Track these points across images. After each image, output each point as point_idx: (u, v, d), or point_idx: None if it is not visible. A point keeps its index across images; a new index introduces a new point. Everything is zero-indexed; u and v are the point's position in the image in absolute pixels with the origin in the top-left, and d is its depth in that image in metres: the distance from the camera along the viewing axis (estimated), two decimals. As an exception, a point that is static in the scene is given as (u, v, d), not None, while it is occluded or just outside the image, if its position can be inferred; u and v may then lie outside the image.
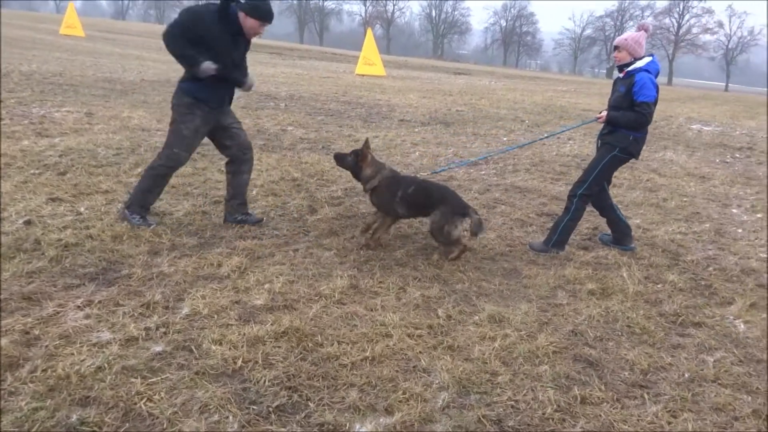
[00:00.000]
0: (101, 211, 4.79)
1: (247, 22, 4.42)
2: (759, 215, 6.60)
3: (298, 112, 11.06)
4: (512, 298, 4.02)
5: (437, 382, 2.97)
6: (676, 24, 78.12)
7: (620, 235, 5.16)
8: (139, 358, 2.90)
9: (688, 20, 78.06)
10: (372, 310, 3.66)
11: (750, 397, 3.06)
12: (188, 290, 3.65)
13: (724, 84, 76.37)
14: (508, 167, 8.07)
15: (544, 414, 2.79)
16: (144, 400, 2.59)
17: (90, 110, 8.82)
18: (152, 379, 2.74)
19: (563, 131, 6.92)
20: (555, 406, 2.85)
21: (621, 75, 4.83)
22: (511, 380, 3.04)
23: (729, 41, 78.53)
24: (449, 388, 2.92)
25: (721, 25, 77.80)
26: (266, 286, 3.81)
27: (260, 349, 3.07)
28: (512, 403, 2.86)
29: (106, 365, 2.79)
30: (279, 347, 3.12)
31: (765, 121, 17.49)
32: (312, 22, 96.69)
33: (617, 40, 4.85)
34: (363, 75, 21.90)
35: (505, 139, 10.38)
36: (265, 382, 2.81)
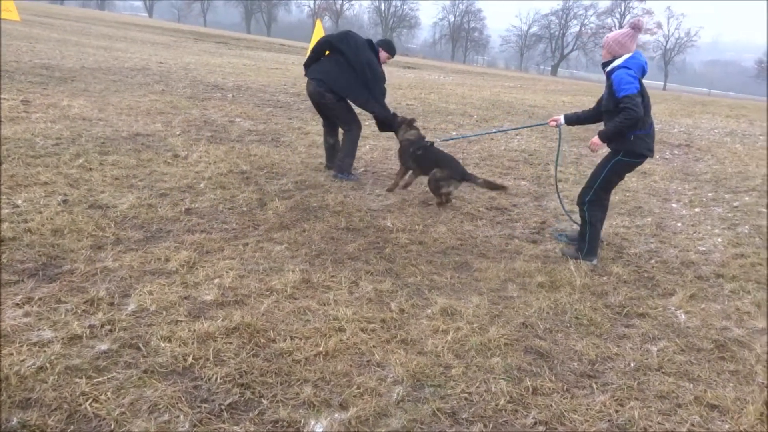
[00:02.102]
0: (40, 203, 4.58)
1: (382, 54, 6.46)
2: (697, 209, 6.87)
3: (246, 103, 10.87)
4: (464, 291, 4.06)
5: (391, 376, 2.97)
6: (618, 24, 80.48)
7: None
8: (83, 357, 2.79)
9: (629, 20, 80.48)
10: (325, 304, 3.63)
11: (692, 385, 3.18)
12: (134, 286, 3.53)
13: (662, 83, 79.20)
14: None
15: (497, 405, 2.83)
16: (89, 401, 2.49)
17: (27, 98, 8.44)
18: (98, 379, 2.64)
19: (535, 125, 7.26)
20: (507, 398, 2.89)
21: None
22: (464, 373, 3.07)
23: (667, 42, 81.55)
24: (403, 382, 2.92)
25: (660, 26, 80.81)
26: (216, 281, 3.73)
27: (211, 345, 3.00)
28: (466, 395, 2.89)
29: (48, 365, 2.68)
30: (230, 343, 3.06)
31: (700, 119, 18.21)
32: (259, 12, 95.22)
33: (603, 41, 4.81)
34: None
35: (453, 133, 10.46)
36: (216, 379, 2.75)
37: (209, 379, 2.75)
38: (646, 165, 9.17)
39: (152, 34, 30.77)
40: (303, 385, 2.80)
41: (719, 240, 5.77)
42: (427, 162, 5.95)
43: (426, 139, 6.15)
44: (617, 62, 4.59)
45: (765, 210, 7.04)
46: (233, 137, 7.86)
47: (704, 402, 3.03)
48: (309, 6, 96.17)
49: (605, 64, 4.72)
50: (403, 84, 19.12)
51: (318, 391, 2.77)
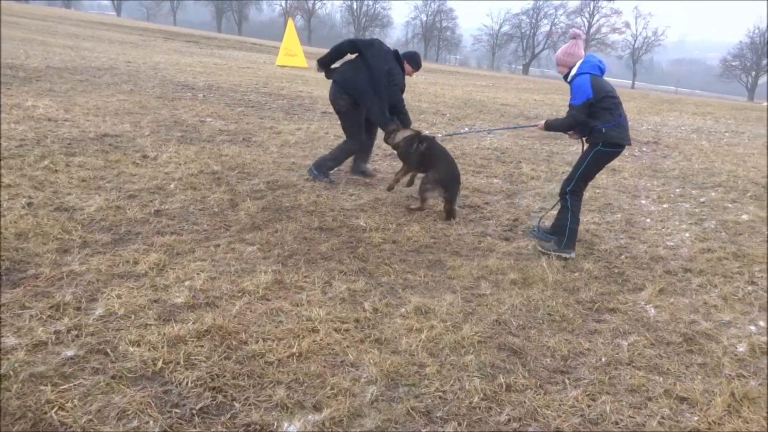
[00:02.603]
0: (4, 206, 4.47)
1: (407, 68, 6.39)
2: (665, 205, 6.98)
3: (217, 103, 10.74)
4: (437, 290, 4.07)
5: (365, 376, 2.95)
6: (587, 23, 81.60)
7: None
8: (48, 364, 2.72)
9: (597, 20, 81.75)
10: (297, 305, 3.60)
11: (662, 378, 3.23)
12: (102, 290, 3.46)
13: (630, 82, 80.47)
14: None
15: (471, 403, 2.84)
16: (55, 409, 2.43)
17: (-12, 99, 8.22)
18: (64, 386, 2.58)
19: (525, 127, 7.39)
20: (481, 395, 2.90)
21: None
22: (438, 371, 3.07)
23: (635, 41, 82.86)
24: (377, 382, 2.91)
25: (628, 25, 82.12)
26: (187, 283, 3.67)
27: (182, 349, 2.95)
28: (440, 393, 2.89)
29: (11, 373, 2.60)
30: (201, 346, 3.01)
31: (668, 117, 18.53)
32: (230, 11, 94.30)
33: (554, 58, 5.08)
34: (284, 66, 21.56)
35: (427, 132, 10.46)
36: (187, 383, 2.71)
37: (180, 384, 2.70)
38: (616, 162, 9.29)
39: (120, 33, 30.26)
40: (276, 387, 2.77)
41: (687, 235, 5.87)
42: (428, 160, 5.76)
43: (423, 137, 5.96)
44: (573, 70, 4.86)
45: (730, 205, 7.18)
46: (204, 137, 7.76)
47: (674, 395, 3.07)
48: (280, 5, 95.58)
49: (566, 77, 4.96)
50: (375, 83, 19.09)
51: (291, 393, 2.74)
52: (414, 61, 6.45)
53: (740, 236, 5.97)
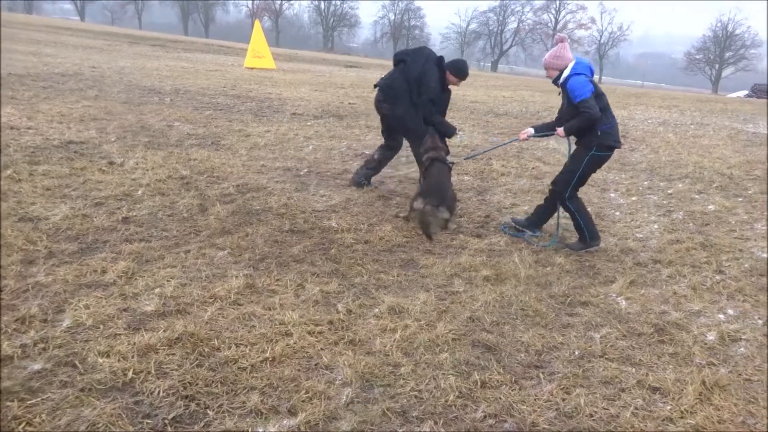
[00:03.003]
0: (-36, 218, 4.35)
1: (450, 77, 5.97)
2: (634, 198, 7.08)
3: (185, 106, 10.61)
4: (411, 289, 4.07)
5: (340, 378, 2.94)
6: (553, 20, 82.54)
7: (536, 219, 5.41)
8: (14, 378, 2.65)
9: (564, 16, 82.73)
10: (270, 309, 3.57)
11: (634, 369, 3.27)
12: (69, 300, 3.39)
13: (598, 77, 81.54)
14: (401, 159, 8.14)
15: (446, 401, 2.84)
16: (23, 425, 2.37)
17: (-53, 108, 8.01)
18: (31, 401, 2.52)
19: (508, 143, 7.35)
20: (457, 393, 2.91)
21: (559, 90, 5.02)
22: (413, 370, 3.06)
23: (601, 36, 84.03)
24: (352, 384, 2.90)
25: (593, 21, 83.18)
26: (157, 290, 3.62)
27: (152, 358, 2.91)
28: (415, 393, 2.89)
29: (-26, 389, 2.53)
30: (173, 354, 2.97)
31: (635, 110, 18.82)
32: (196, 13, 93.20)
33: (543, 62, 5.10)
34: (252, 68, 21.38)
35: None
36: (159, 393, 2.66)
37: (151, 393, 2.66)
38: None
39: (84, 38, 29.71)
40: (250, 393, 2.74)
41: (655, 227, 5.96)
42: (426, 173, 5.60)
43: (443, 155, 5.67)
44: (566, 72, 4.87)
45: (697, 196, 7.31)
46: (172, 142, 7.66)
47: (646, 385, 3.11)
48: (247, 6, 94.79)
49: (556, 80, 4.99)
50: (345, 83, 19.07)
51: (265, 399, 2.72)
52: (456, 69, 5.99)
53: (707, 226, 6.08)
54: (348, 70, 28.36)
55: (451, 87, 6.09)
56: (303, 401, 2.72)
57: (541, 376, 3.14)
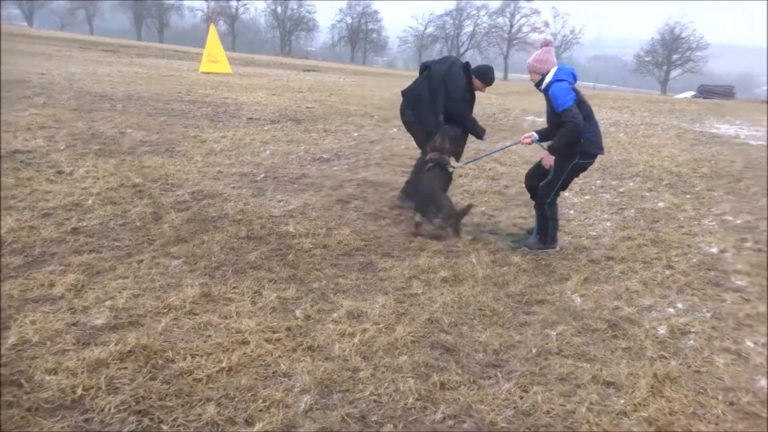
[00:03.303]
0: None
1: (476, 82, 5.95)
2: (587, 197, 7.22)
3: (138, 113, 10.38)
4: (369, 292, 4.05)
5: (299, 385, 2.91)
6: (508, 23, 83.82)
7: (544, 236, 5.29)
8: (-45, 399, 2.54)
9: (518, 20, 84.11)
10: (226, 317, 3.51)
11: (589, 365, 3.32)
12: (14, 316, 3.26)
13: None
14: (360, 162, 8.15)
15: (406, 404, 2.83)
16: (-37, 447, 2.27)
17: None
18: (-28, 421, 2.41)
19: (511, 146, 7.31)
20: (416, 395, 2.90)
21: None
22: (372, 374, 3.05)
23: (555, 39, 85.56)
24: (311, 390, 2.87)
25: (547, 24, 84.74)
26: (108, 303, 3.51)
27: (103, 373, 2.82)
28: (375, 397, 2.87)
29: None
30: (125, 368, 2.88)
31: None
32: (150, 18, 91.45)
33: (527, 65, 5.06)
34: (208, 73, 21.07)
35: (355, 134, 10.47)
36: (110, 409, 2.58)
37: (102, 410, 2.57)
38: (539, 156, 9.55)
39: (33, 44, 28.82)
40: (206, 405, 2.68)
41: (608, 224, 6.09)
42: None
43: (445, 158, 5.62)
44: (548, 78, 4.85)
45: (647, 194, 7.50)
46: (124, 149, 7.48)
47: (601, 380, 3.16)
48: (202, 10, 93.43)
49: (538, 84, 4.97)
50: (303, 87, 18.96)
51: (222, 410, 2.66)
52: (482, 74, 5.96)
53: (657, 223, 6.24)
54: (306, 74, 28.23)
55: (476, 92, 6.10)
56: (260, 411, 2.68)
57: (499, 375, 3.16)
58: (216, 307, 3.64)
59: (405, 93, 6.11)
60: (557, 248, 5.18)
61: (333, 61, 64.99)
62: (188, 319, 3.44)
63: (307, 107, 13.44)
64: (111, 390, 2.71)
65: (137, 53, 32.21)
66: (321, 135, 10.08)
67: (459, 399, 2.92)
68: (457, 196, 6.80)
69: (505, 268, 4.69)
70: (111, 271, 3.97)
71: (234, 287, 3.92)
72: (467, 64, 6.05)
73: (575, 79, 4.88)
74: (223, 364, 2.99)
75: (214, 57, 22.01)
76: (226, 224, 5.10)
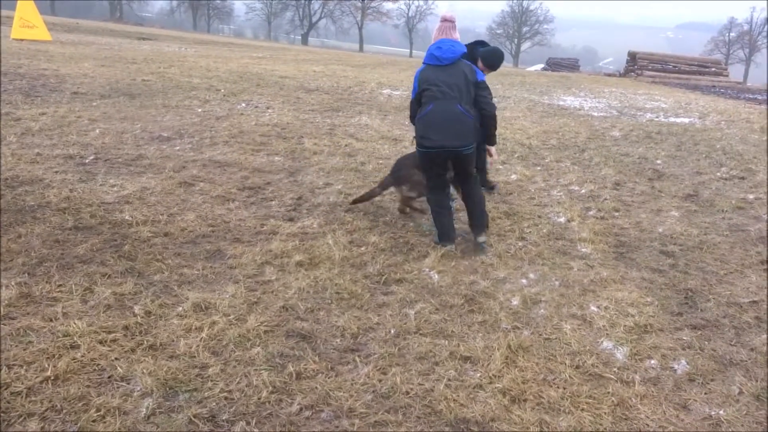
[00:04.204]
0: None
1: (479, 65, 5.74)
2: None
3: (-68, 86, 9.25)
4: (218, 282, 3.95)
5: (138, 389, 2.77)
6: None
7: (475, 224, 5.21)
8: None
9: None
10: (51, 320, 3.26)
11: (447, 341, 3.47)
12: None
13: (408, 50, 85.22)
14: (205, 141, 7.86)
15: (259, 399, 2.80)
16: None
17: None
18: None
19: None
20: (270, 388, 2.88)
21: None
22: (222, 370, 2.98)
23: (409, 10, 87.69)
24: (153, 393, 2.74)
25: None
26: None
27: None
28: (225, 394, 2.81)
29: None
30: None
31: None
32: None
33: None
34: (21, 40, 19.19)
35: (199, 110, 10.07)
36: None
37: None
38: (396, 131, 9.79)
39: None
40: (27, 421, 2.48)
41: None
42: None
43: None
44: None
45: (501, 167, 7.96)
46: None
47: (458, 356, 3.33)
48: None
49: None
50: (137, 57, 17.87)
51: (47, 425, 2.47)
52: (485, 58, 5.86)
53: (510, 196, 6.64)
54: (141, 43, 26.64)
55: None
56: (94, 421, 2.52)
57: (358, 359, 3.22)
58: (38, 308, 3.36)
59: None
60: (450, 245, 4.92)
61: (172, 29, 61.88)
62: (4, 324, 3.15)
63: (143, 80, 12.71)
64: None
65: (-71, 15, 28.64)
66: (160, 111, 9.58)
67: (316, 388, 2.93)
68: (311, 175, 6.79)
69: (362, 248, 4.77)
70: None
71: (60, 285, 3.64)
72: (475, 44, 6.01)
73: (436, 59, 4.79)
74: (48, 373, 2.78)
75: (28, 21, 20.08)
76: (49, 214, 4.71)
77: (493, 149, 5.50)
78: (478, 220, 5.01)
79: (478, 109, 4.90)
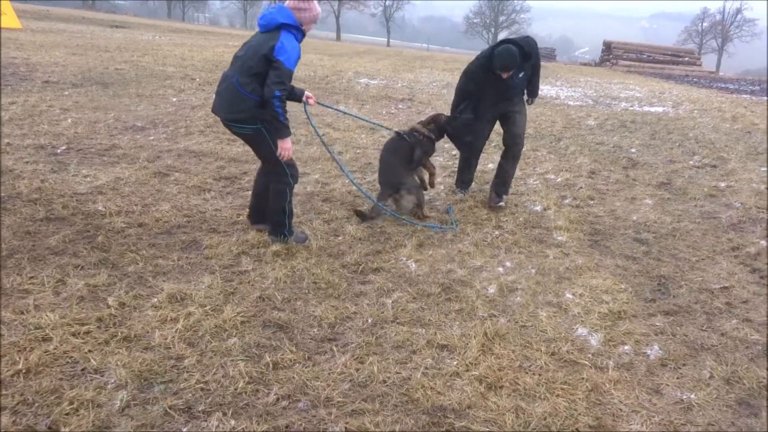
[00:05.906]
0: None
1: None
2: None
3: None
4: (194, 273, 3.91)
5: (113, 381, 2.74)
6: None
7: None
8: None
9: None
10: (23, 312, 3.20)
11: (424, 330, 3.48)
12: None
13: (386, 39, 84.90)
14: (181, 130, 7.77)
15: (236, 389, 2.79)
16: None
17: None
18: None
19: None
20: (247, 379, 2.87)
21: None
22: (198, 361, 2.96)
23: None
24: (128, 385, 2.72)
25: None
26: None
27: None
28: (201, 385, 2.79)
29: None
30: None
31: (420, 73, 19.92)
32: None
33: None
34: (-10, 27, 18.77)
35: (174, 99, 9.95)
36: None
37: None
38: (374, 120, 9.74)
39: None
40: (-2, 416, 2.43)
41: (441, 188, 6.39)
42: None
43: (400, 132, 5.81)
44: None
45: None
46: None
47: (435, 344, 3.34)
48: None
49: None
50: (110, 45, 17.58)
51: (18, 418, 2.44)
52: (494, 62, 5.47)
53: (488, 184, 6.66)
54: (114, 31, 26.20)
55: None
56: (67, 414, 2.49)
57: (335, 349, 3.22)
58: (9, 301, 3.31)
59: None
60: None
61: (146, 17, 60.98)
62: (-27, 318, 3.09)
63: (116, 69, 12.51)
64: None
65: None
66: (134, 100, 9.44)
67: (293, 378, 2.92)
68: (288, 164, 6.73)
69: (339, 238, 4.75)
70: None
71: (31, 277, 3.58)
72: (499, 43, 5.66)
73: (262, 26, 4.18)
74: (20, 366, 2.73)
75: (-3, 8, 19.63)
76: (19, 205, 4.62)
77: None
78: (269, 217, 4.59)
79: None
